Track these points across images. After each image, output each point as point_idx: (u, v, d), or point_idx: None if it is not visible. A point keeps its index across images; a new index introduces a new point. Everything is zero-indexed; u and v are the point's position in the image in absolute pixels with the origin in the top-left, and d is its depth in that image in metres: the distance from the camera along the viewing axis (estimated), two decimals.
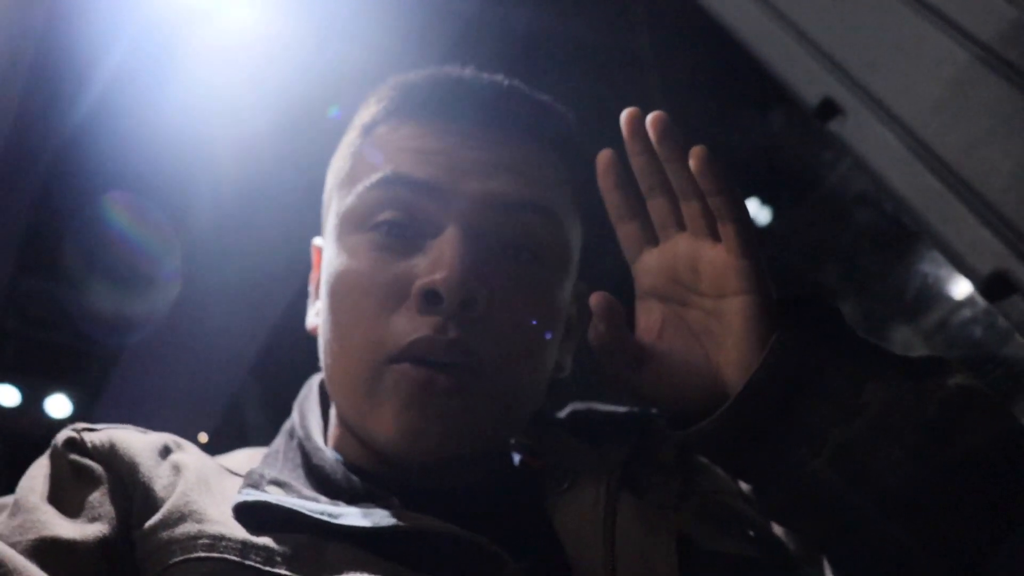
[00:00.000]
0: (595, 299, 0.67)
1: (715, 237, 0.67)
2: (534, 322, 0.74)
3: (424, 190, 0.73)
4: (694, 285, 0.68)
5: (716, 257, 0.66)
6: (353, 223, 0.75)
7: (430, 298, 0.69)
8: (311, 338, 0.83)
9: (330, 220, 0.80)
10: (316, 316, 0.83)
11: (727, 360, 0.65)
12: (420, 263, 0.71)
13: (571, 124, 0.83)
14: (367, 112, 0.81)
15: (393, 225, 0.73)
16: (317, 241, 0.86)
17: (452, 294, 0.67)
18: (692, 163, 0.64)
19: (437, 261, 0.69)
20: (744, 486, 0.81)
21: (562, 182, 0.78)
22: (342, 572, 0.59)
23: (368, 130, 0.80)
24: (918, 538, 0.58)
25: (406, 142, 0.75)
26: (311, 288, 0.87)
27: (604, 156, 0.72)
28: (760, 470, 0.63)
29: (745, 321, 0.64)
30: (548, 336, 0.76)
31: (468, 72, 0.81)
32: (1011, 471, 0.58)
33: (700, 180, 0.65)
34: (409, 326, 0.69)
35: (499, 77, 0.81)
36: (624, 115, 0.68)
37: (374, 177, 0.74)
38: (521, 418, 0.77)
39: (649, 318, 0.71)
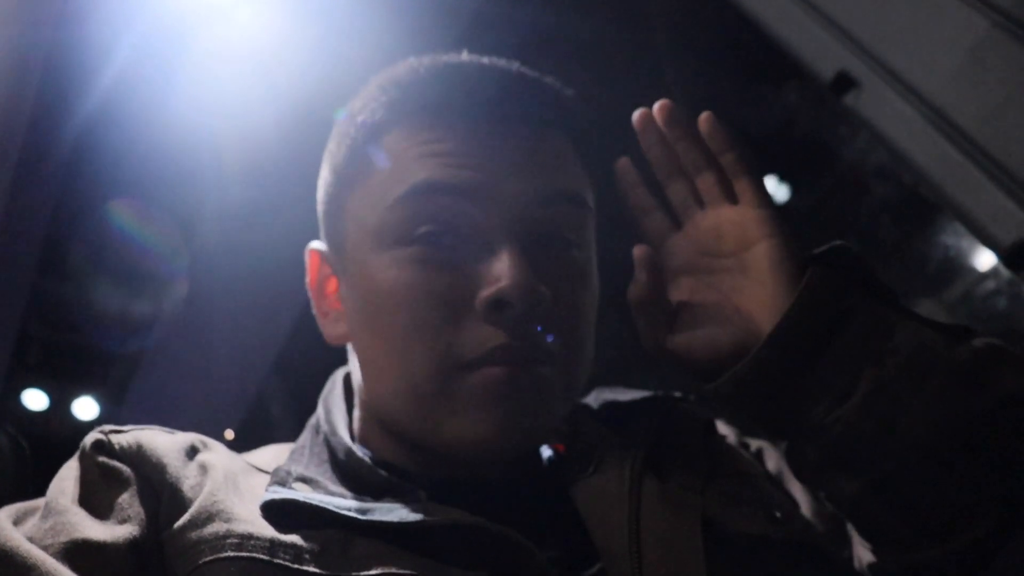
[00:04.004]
0: (638, 251, 0.71)
1: (732, 200, 0.72)
2: (585, 308, 0.74)
3: (464, 195, 0.71)
4: (719, 249, 0.72)
5: (736, 215, 0.71)
6: (390, 238, 0.72)
7: (499, 306, 0.68)
8: None
9: (350, 233, 0.77)
10: (336, 325, 0.80)
11: (759, 306, 0.67)
12: (475, 271, 0.70)
13: (577, 103, 0.82)
14: (369, 113, 0.77)
15: (434, 236, 0.71)
16: (315, 245, 0.83)
17: (521, 300, 0.67)
18: (701, 127, 0.72)
19: (499, 269, 0.68)
20: (770, 467, 0.81)
21: (579, 166, 0.78)
22: (371, 568, 0.59)
23: (378, 134, 0.76)
24: (948, 487, 0.58)
25: (432, 146, 0.73)
26: (311, 295, 0.83)
27: (622, 163, 0.78)
28: (792, 419, 0.64)
29: (771, 264, 0.67)
30: (593, 318, 0.76)
31: (470, 61, 0.78)
32: None
33: (710, 142, 0.72)
34: (482, 336, 0.68)
35: (503, 63, 0.79)
36: (635, 116, 0.75)
37: (405, 187, 0.72)
38: (575, 402, 0.78)
39: (679, 292, 0.74)
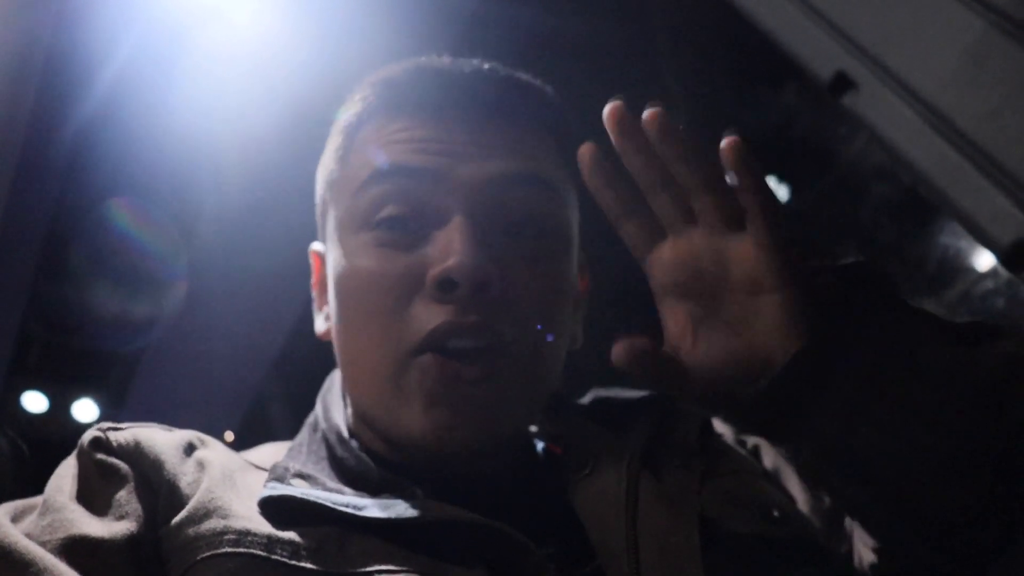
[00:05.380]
0: (617, 351, 0.61)
1: (735, 228, 0.61)
2: (548, 296, 0.74)
3: (421, 178, 0.72)
4: (723, 278, 0.62)
5: (744, 252, 0.61)
6: (355, 223, 0.75)
7: (445, 286, 0.68)
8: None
9: (329, 224, 0.79)
10: (326, 321, 0.82)
11: (772, 347, 0.60)
12: (429, 253, 0.71)
13: (553, 98, 0.82)
14: (350, 112, 0.80)
15: (395, 220, 0.73)
16: (315, 246, 0.86)
17: (467, 278, 0.67)
18: (726, 156, 0.58)
19: (447, 248, 0.69)
20: (767, 465, 0.81)
21: (553, 155, 0.78)
22: (367, 564, 0.59)
23: (354, 130, 0.79)
24: (963, 500, 0.57)
25: (397, 135, 0.75)
26: (314, 294, 0.86)
27: (586, 153, 0.64)
28: (804, 439, 0.60)
29: (786, 315, 0.59)
30: (562, 308, 0.76)
31: (446, 60, 0.80)
32: None
33: (734, 175, 0.59)
34: (427, 315, 0.69)
35: (477, 61, 0.80)
36: (606, 113, 0.62)
37: (369, 172, 0.74)
38: (546, 395, 0.77)
39: (677, 320, 0.64)
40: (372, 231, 0.73)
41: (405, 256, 0.71)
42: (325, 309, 0.83)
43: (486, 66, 0.80)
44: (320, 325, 0.84)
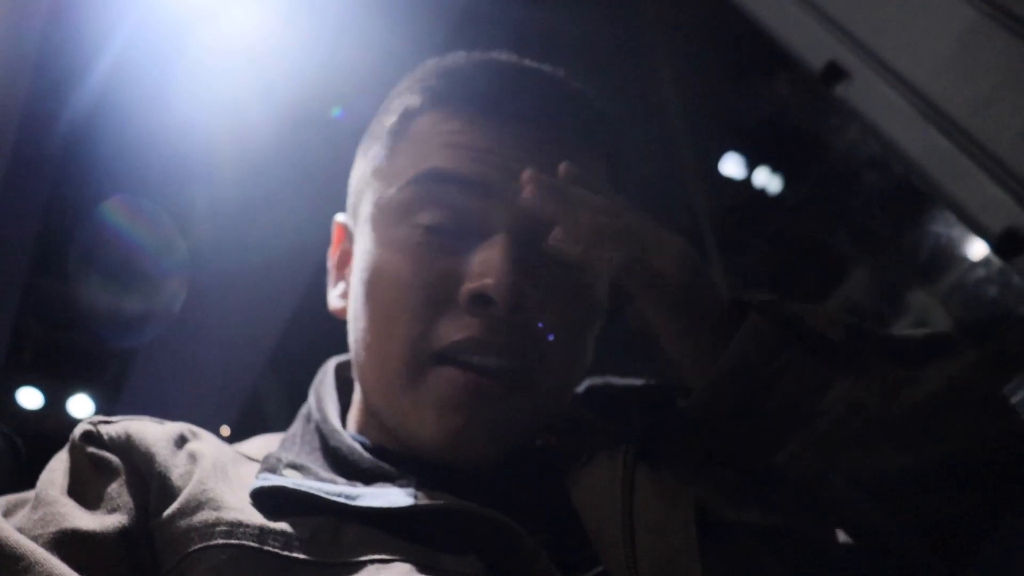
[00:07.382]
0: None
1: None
2: (577, 323, 0.74)
3: (472, 189, 0.71)
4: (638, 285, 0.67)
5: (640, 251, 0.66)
6: (396, 216, 0.74)
7: (480, 301, 0.68)
8: (326, 326, 0.83)
9: (364, 206, 0.78)
10: (341, 298, 0.82)
11: (687, 353, 0.67)
12: (467, 264, 0.70)
13: (612, 120, 0.81)
14: (409, 96, 0.79)
15: (437, 222, 0.72)
16: (340, 218, 0.85)
17: (504, 298, 0.66)
18: (526, 193, 0.66)
19: (487, 264, 0.68)
20: None
21: (604, 182, 0.76)
22: (360, 553, 0.59)
23: (410, 116, 0.77)
24: (936, 520, 0.59)
25: (454, 137, 0.73)
26: (330, 265, 0.85)
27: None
28: (723, 462, 0.65)
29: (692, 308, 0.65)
30: (589, 335, 0.76)
31: (514, 62, 0.79)
32: (991, 473, 0.59)
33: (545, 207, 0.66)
34: (455, 326, 0.69)
35: (551, 70, 0.79)
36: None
37: (419, 170, 0.73)
38: (559, 410, 0.77)
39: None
40: (411, 228, 0.72)
41: (441, 260, 0.71)
42: (341, 285, 0.83)
43: (559, 78, 0.79)
44: (334, 301, 0.83)
